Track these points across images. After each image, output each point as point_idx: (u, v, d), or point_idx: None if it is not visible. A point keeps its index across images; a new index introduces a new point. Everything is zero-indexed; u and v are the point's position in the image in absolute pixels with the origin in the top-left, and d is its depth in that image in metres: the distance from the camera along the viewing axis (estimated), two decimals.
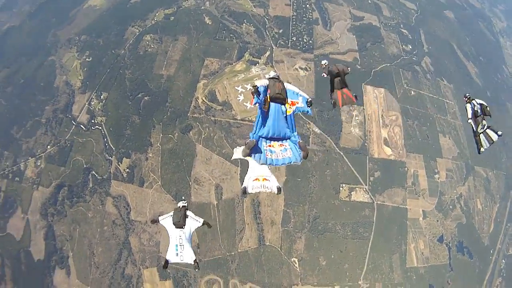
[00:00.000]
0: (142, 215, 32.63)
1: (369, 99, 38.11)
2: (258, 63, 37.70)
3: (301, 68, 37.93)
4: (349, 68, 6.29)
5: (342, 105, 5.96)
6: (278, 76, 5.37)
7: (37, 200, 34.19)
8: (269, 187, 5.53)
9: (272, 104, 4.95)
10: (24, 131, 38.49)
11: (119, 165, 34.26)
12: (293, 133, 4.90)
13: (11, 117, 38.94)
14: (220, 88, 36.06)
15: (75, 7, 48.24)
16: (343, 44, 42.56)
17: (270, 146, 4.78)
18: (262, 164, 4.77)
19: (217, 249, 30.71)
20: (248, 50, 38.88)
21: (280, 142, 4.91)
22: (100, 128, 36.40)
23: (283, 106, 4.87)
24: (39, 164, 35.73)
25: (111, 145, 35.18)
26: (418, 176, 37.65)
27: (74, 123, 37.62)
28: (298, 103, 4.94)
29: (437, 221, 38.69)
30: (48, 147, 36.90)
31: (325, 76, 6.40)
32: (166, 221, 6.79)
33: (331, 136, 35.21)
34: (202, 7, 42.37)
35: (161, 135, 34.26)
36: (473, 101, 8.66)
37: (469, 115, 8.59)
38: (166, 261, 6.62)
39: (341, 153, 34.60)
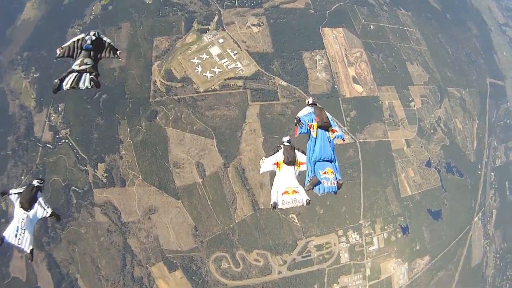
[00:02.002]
0: (133, 215, 29.76)
1: (329, 41, 34.92)
2: (208, 30, 33.58)
3: (254, 25, 34.13)
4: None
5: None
6: (315, 102, 5.44)
7: None
8: (299, 201, 4.91)
9: (320, 130, 5.14)
10: None
11: (96, 172, 30.71)
12: (334, 157, 5.10)
13: None
14: (176, 65, 32.00)
15: (8, 26, 41.37)
16: None
17: (325, 173, 4.84)
18: (321, 194, 4.81)
19: (215, 226, 28.43)
20: (196, 20, 34.54)
21: (331, 168, 5.01)
22: (66, 141, 32.38)
23: (327, 132, 5.11)
24: None
25: (82, 155, 31.38)
26: (394, 107, 35.68)
27: (39, 144, 33.32)
28: (336, 131, 5.18)
29: (421, 147, 37.36)
30: (22, 177, 32.76)
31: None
32: (15, 196, 5.62)
33: (299, 85, 32.45)
34: None
35: (128, 129, 30.60)
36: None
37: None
38: (2, 237, 5.41)
39: None
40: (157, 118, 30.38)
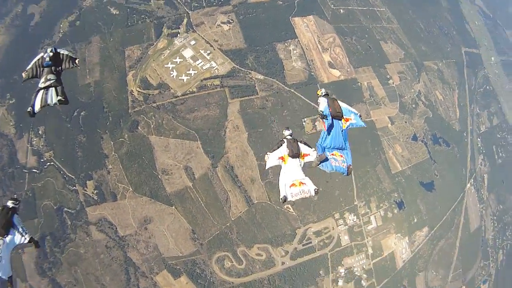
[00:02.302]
0: (129, 228, 29.59)
1: (301, 30, 35.16)
2: (178, 33, 33.45)
3: (224, 23, 34.09)
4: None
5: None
6: (327, 93, 5.68)
7: (29, 263, 30.28)
8: (307, 191, 5.04)
9: (333, 121, 5.35)
10: None
11: (85, 190, 30.39)
12: (346, 145, 5.38)
13: None
14: (151, 72, 31.79)
15: None
16: None
17: (332, 154, 5.20)
18: (330, 171, 5.11)
19: (212, 227, 28.52)
20: (165, 25, 34.33)
21: (340, 153, 5.37)
22: (51, 163, 31.92)
23: (340, 121, 5.34)
24: None
25: (69, 175, 31.02)
26: (373, 87, 36.22)
27: (25, 170, 32.71)
28: (351, 119, 5.50)
29: (405, 122, 38.05)
30: None
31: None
32: None
33: (276, 77, 32.62)
34: (104, 0, 36.15)
35: (111, 143, 30.34)
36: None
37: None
38: None
39: (292, 90, 32.35)
40: (139, 127, 30.15)
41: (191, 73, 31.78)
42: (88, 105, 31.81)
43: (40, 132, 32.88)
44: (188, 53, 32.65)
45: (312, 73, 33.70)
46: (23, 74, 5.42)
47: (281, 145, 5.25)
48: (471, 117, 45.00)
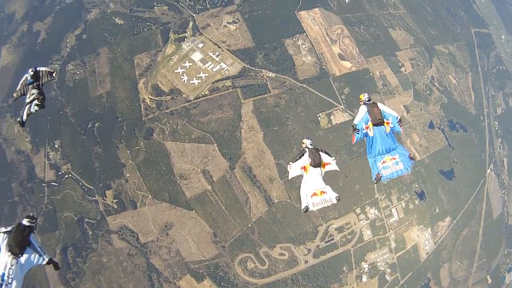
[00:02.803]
0: (150, 234, 29.81)
1: (308, 24, 34.69)
2: (185, 37, 33.41)
3: (230, 23, 33.94)
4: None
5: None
6: (370, 98, 5.61)
7: (52, 274, 30.83)
8: (329, 200, 5.17)
9: (375, 128, 5.42)
10: (5, 219, 33.94)
11: (105, 200, 30.74)
12: (396, 144, 5.34)
13: None
14: (161, 79, 31.89)
15: None
16: None
17: (383, 163, 5.23)
18: (386, 181, 5.13)
19: (234, 229, 28.43)
20: (171, 30, 34.40)
21: (391, 156, 5.36)
22: (70, 175, 32.37)
23: (383, 126, 5.41)
24: None
25: (88, 186, 31.46)
26: (386, 76, 35.46)
27: (44, 184, 33.36)
28: (389, 122, 5.39)
29: (421, 110, 37.17)
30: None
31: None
32: (1, 236, 4.61)
33: (287, 73, 32.26)
34: (108, 11, 36.71)
35: (128, 151, 30.54)
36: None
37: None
38: None
39: (304, 86, 31.86)
40: (154, 134, 30.30)
41: (202, 76, 31.78)
42: (101, 116, 32.18)
43: (56, 146, 33.45)
44: (197, 56, 32.67)
45: (323, 67, 33.21)
46: (14, 94, 6.42)
47: (303, 154, 5.33)
48: (486, 100, 43.61)
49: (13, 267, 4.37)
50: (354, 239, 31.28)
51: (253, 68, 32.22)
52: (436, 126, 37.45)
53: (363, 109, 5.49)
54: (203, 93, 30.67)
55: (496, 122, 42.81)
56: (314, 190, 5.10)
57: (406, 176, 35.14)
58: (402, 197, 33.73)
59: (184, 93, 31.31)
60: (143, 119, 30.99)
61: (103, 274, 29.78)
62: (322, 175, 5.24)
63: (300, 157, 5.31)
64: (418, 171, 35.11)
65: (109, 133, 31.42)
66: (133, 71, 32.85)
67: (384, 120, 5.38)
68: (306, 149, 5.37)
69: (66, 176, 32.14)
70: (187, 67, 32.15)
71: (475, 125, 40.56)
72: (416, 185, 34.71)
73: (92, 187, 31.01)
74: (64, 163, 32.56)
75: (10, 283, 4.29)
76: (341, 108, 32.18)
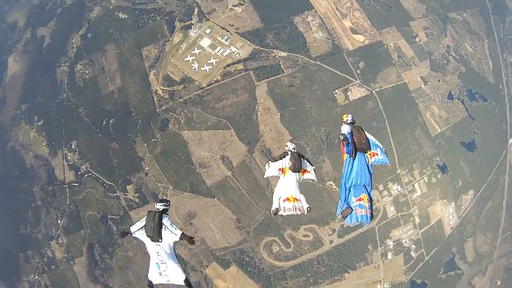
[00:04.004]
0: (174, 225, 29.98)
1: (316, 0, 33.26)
2: (192, 24, 32.77)
3: (235, 6, 33.12)
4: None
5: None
6: (354, 120, 5.23)
7: (81, 272, 31.79)
8: (300, 208, 4.99)
9: (358, 154, 4.90)
10: (30, 223, 35.05)
11: (126, 195, 31.13)
12: (371, 188, 4.86)
13: (11, 220, 35.11)
14: (172, 69, 31.59)
15: None
16: None
17: (359, 200, 4.61)
18: (353, 224, 4.70)
19: (257, 213, 28.42)
20: (176, 18, 33.87)
21: (368, 196, 4.78)
22: (89, 174, 32.85)
23: (365, 155, 4.91)
24: (61, 241, 32.92)
25: (108, 183, 31.93)
26: (400, 47, 34.21)
27: (65, 186, 34.04)
28: (377, 154, 4.99)
29: (439, 80, 35.88)
30: (59, 221, 33.69)
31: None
32: (139, 233, 4.90)
33: (299, 52, 31.48)
34: (111, 7, 36.40)
35: (145, 145, 30.67)
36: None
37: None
38: (150, 283, 4.92)
39: (318, 63, 30.97)
40: (170, 125, 30.23)
41: (212, 62, 31.22)
42: (115, 112, 32.25)
43: (73, 146, 33.87)
44: (205, 42, 32.08)
45: (336, 42, 32.18)
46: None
47: (284, 156, 5.12)
48: (504, 67, 41.71)
49: (160, 253, 4.70)
50: (378, 217, 30.86)
51: (264, 49, 31.48)
52: (455, 97, 36.15)
53: (346, 128, 4.96)
54: (215, 79, 30.23)
55: None
56: (288, 195, 4.94)
57: (428, 149, 34.30)
58: (424, 171, 32.96)
59: (196, 80, 30.95)
60: (157, 110, 30.88)
61: (131, 268, 30.39)
62: (299, 182, 5.09)
63: (280, 158, 5.08)
64: (440, 144, 34.17)
65: (124, 129, 31.52)
66: (142, 64, 32.62)
67: (371, 150, 4.88)
68: (289, 152, 5.15)
69: (86, 175, 32.61)
70: (197, 54, 31.66)
71: (494, 94, 39.01)
72: (438, 158, 33.82)
73: (112, 184, 31.37)
74: (82, 163, 33.00)
75: (166, 268, 4.67)
76: (358, 83, 31.28)
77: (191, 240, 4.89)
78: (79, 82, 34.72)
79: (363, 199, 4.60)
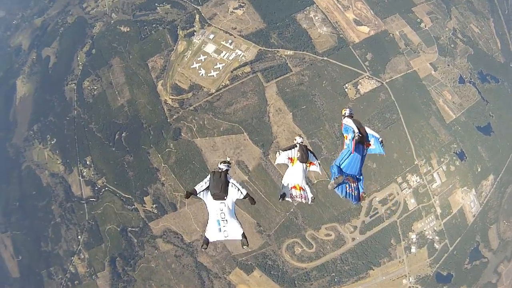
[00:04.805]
0: (194, 233, 29.97)
1: None
2: (195, 31, 32.43)
3: (236, 8, 32.70)
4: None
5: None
6: (352, 113, 5.54)
7: (104, 286, 32.07)
8: (305, 197, 5.40)
9: (357, 145, 5.26)
10: (51, 240, 35.43)
11: (144, 206, 31.09)
12: (361, 176, 5.29)
13: (32, 239, 35.55)
14: (179, 77, 31.35)
15: (8, 109, 42.50)
16: None
17: (347, 179, 5.14)
18: (342, 197, 5.18)
19: (277, 216, 27.96)
20: (179, 27, 33.66)
21: (354, 179, 5.25)
22: (106, 188, 32.91)
23: (362, 146, 5.25)
24: (83, 256, 33.12)
25: (126, 196, 31.92)
26: (406, 34, 33.23)
27: (83, 201, 34.17)
28: (371, 145, 5.32)
29: (448, 65, 34.71)
30: (79, 237, 33.94)
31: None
32: (203, 193, 5.10)
33: (305, 49, 30.81)
34: (112, 21, 36.43)
35: (159, 155, 30.54)
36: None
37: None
38: (206, 240, 5.02)
39: (325, 58, 30.20)
40: (182, 134, 30.01)
41: (219, 67, 30.99)
42: (127, 125, 32.21)
43: (87, 162, 33.99)
44: (210, 48, 31.86)
45: (341, 35, 31.41)
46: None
47: (293, 147, 5.55)
48: None
49: (223, 210, 4.87)
50: (398, 210, 30.01)
51: (269, 49, 31.04)
52: (467, 80, 34.90)
53: (349, 121, 5.29)
54: (223, 84, 29.85)
55: None
56: (295, 183, 5.32)
57: (444, 137, 33.23)
58: (442, 159, 31.89)
59: (204, 87, 30.68)
60: (169, 120, 30.73)
61: (153, 279, 30.31)
62: (306, 172, 5.47)
63: (290, 149, 5.52)
64: (455, 130, 33.02)
65: (137, 141, 31.46)
66: (149, 75, 32.52)
67: (367, 141, 5.20)
68: (297, 145, 5.58)
69: (103, 189, 32.68)
70: (203, 60, 31.43)
71: (505, 74, 37.57)
72: (455, 145, 32.71)
73: (130, 196, 31.35)
74: (98, 178, 33.09)
75: (226, 224, 4.81)
76: (367, 76, 30.42)
77: (253, 200, 5.16)
78: (88, 98, 34.82)
79: (349, 180, 5.05)
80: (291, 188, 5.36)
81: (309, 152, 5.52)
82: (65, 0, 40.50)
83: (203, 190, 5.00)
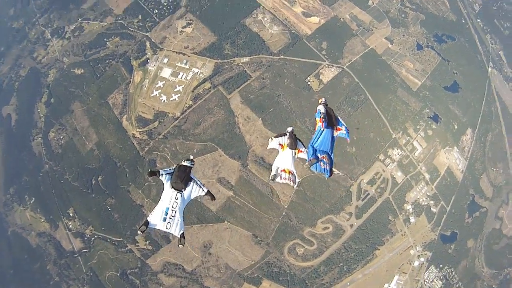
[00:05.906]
0: (194, 260, 29.12)
1: None
2: (148, 59, 31.70)
3: (185, 27, 32.34)
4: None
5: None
6: (327, 103, 6.42)
7: None
8: (293, 180, 5.87)
9: (327, 128, 6.16)
10: None
11: (138, 245, 29.99)
12: (332, 150, 6.06)
13: None
14: (142, 108, 30.58)
15: None
16: None
17: (323, 157, 5.81)
18: (317, 172, 5.88)
19: (270, 222, 27.45)
20: (131, 57, 32.75)
21: (327, 157, 5.95)
22: (96, 236, 31.53)
23: (332, 130, 6.05)
24: None
25: (117, 239, 30.59)
26: (356, 15, 33.66)
27: (76, 255, 32.50)
28: (341, 130, 6.08)
29: (403, 35, 35.42)
30: None
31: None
32: (165, 177, 5.17)
33: (260, 52, 30.77)
34: (65, 66, 35.21)
35: (139, 191, 29.64)
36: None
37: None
38: (147, 222, 4.81)
39: (281, 57, 30.18)
40: (157, 164, 29.18)
41: (179, 90, 30.41)
42: (101, 168, 31.04)
43: (71, 214, 32.55)
44: (166, 72, 31.23)
45: (293, 31, 31.48)
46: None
47: (284, 135, 6.05)
48: (461, 2, 41.56)
49: (177, 200, 4.87)
50: (388, 186, 30.11)
51: (225, 60, 30.74)
52: (424, 46, 35.69)
53: (321, 107, 6.04)
54: (187, 105, 29.27)
55: (478, 20, 40.93)
56: (285, 167, 5.75)
57: (414, 105, 33.75)
58: (418, 127, 32.34)
59: (169, 112, 29.98)
60: (141, 154, 29.84)
61: None
62: (295, 158, 5.92)
63: (281, 136, 6.01)
64: (424, 96, 33.62)
65: (114, 182, 30.34)
66: (112, 113, 31.52)
67: (337, 126, 5.99)
68: (288, 133, 6.07)
69: (93, 238, 31.35)
70: (161, 86, 30.76)
71: (460, 31, 38.78)
72: (427, 110, 33.27)
73: (121, 239, 30.17)
74: (85, 227, 31.71)
75: (173, 216, 4.77)
76: (327, 64, 30.54)
77: (213, 196, 5.39)
78: (57, 149, 33.40)
79: (324, 158, 5.73)
80: (281, 171, 5.75)
81: (298, 140, 5.99)
82: (15, 53, 38.95)
83: (166, 174, 5.03)
